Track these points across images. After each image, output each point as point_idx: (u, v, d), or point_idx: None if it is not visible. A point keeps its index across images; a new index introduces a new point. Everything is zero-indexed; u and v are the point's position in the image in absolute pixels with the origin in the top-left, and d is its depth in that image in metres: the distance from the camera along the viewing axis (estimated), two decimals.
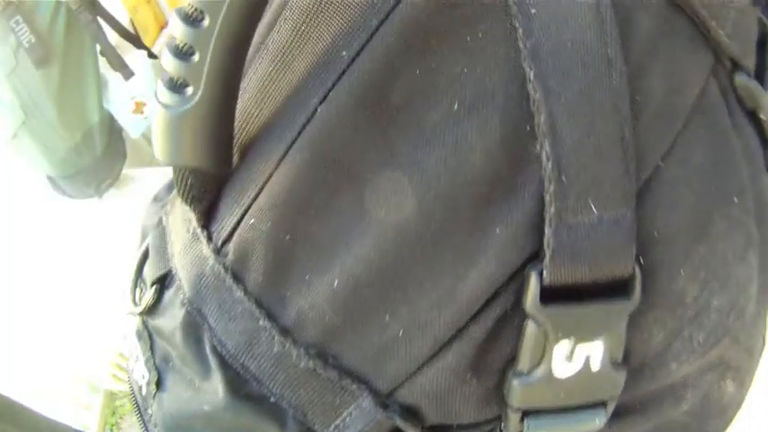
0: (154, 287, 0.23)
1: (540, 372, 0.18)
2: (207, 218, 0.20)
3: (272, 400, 0.20)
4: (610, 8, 0.17)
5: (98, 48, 0.91)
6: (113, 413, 2.29)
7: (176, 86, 0.18)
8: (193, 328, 0.21)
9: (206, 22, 0.17)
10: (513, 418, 0.19)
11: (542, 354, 0.18)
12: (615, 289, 0.18)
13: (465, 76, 0.17)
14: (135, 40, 0.97)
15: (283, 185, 0.18)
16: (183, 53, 0.17)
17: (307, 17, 0.19)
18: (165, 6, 1.83)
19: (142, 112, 1.02)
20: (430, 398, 0.19)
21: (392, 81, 0.17)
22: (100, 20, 0.89)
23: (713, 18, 0.18)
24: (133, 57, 0.99)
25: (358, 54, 0.17)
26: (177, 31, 0.17)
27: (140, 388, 0.24)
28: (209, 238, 0.20)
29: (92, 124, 0.94)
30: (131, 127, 1.03)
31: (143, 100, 1.00)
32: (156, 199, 0.28)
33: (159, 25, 1.87)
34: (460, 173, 0.17)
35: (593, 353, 0.18)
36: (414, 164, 0.17)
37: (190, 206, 0.20)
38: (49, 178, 1.00)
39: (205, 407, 0.21)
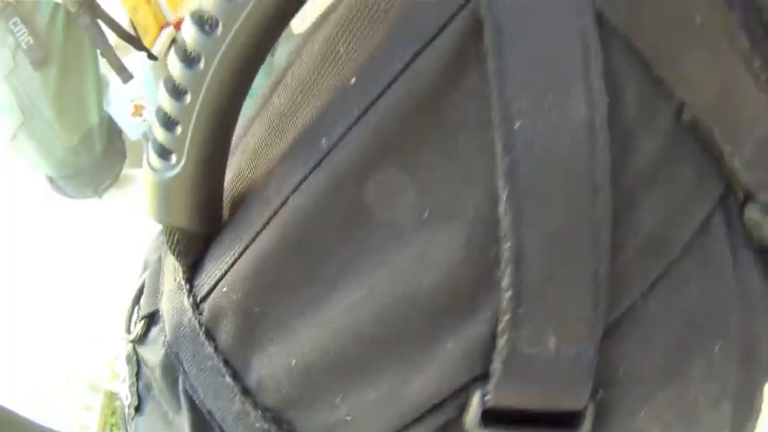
0: (143, 321, 0.24)
1: None
2: (192, 271, 0.21)
3: None
4: (605, 127, 0.15)
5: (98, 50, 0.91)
6: (113, 413, 2.29)
7: (163, 153, 0.18)
8: (171, 368, 0.22)
9: (188, 98, 0.17)
10: None
11: None
12: (564, 420, 0.17)
13: (440, 184, 0.16)
14: (135, 41, 0.97)
15: (257, 260, 0.19)
16: (168, 123, 0.18)
17: (302, 89, 0.19)
18: (165, 6, 1.83)
19: (141, 115, 1.02)
20: None
21: (366, 177, 0.17)
22: (99, 22, 0.89)
23: (728, 142, 0.16)
24: (133, 58, 0.99)
25: (336, 144, 0.17)
26: (164, 100, 0.17)
27: (124, 407, 0.26)
28: (190, 292, 0.21)
29: (91, 125, 0.94)
30: (130, 129, 1.03)
31: (142, 103, 1.00)
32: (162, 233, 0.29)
33: (159, 25, 1.87)
34: (421, 282, 0.17)
35: None
36: (379, 264, 0.17)
37: (176, 259, 0.21)
38: (49, 178, 1.00)
39: None
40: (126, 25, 1.65)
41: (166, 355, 0.22)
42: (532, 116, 0.15)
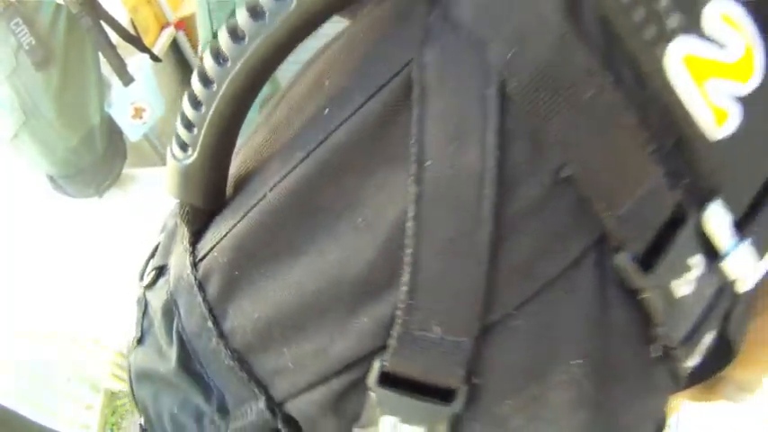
0: (154, 272, 0.31)
1: (371, 431, 0.24)
2: (195, 238, 0.27)
3: (206, 379, 0.29)
4: (494, 174, 0.20)
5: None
6: (114, 412, 2.29)
7: (182, 146, 0.24)
8: (169, 310, 0.29)
9: (203, 109, 0.23)
10: None
11: (375, 419, 0.24)
12: (442, 394, 0.22)
13: (371, 200, 0.22)
14: (137, 42, 0.98)
15: (240, 236, 0.25)
16: (187, 125, 0.24)
17: (295, 108, 0.25)
18: (165, 6, 1.83)
19: (141, 117, 1.02)
20: (302, 419, 0.26)
21: (322, 187, 0.23)
22: (101, 23, 0.89)
23: (604, 200, 0.20)
24: (135, 60, 0.99)
25: (305, 158, 0.23)
26: (186, 108, 0.24)
27: (130, 341, 0.34)
28: (192, 254, 0.27)
29: (92, 125, 0.94)
30: (131, 131, 1.03)
31: (142, 105, 1.00)
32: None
33: (160, 25, 1.87)
34: (350, 269, 0.23)
35: None
36: (323, 253, 0.23)
37: (185, 227, 0.28)
38: (50, 178, 1.01)
39: (161, 369, 0.30)
40: (126, 24, 1.66)
41: (167, 301, 0.29)
42: (439, 158, 0.20)
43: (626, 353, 0.23)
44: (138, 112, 1.01)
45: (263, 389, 0.27)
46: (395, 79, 0.21)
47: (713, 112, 0.20)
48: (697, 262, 0.22)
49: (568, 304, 0.22)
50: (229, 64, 0.22)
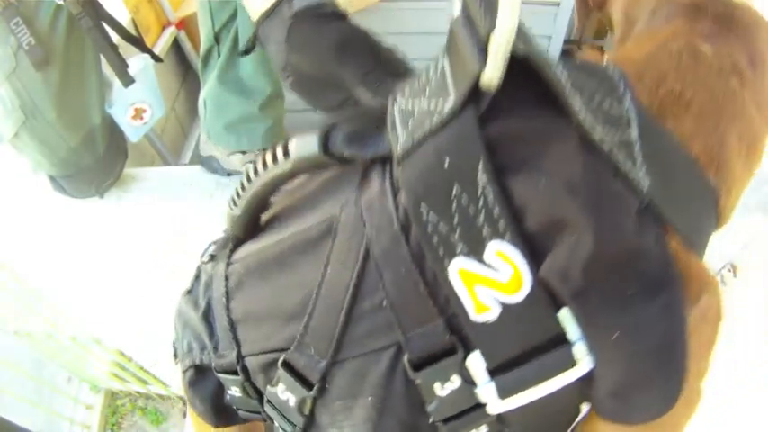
0: (209, 256, 0.52)
1: (275, 389, 0.44)
2: (232, 251, 0.49)
3: (213, 328, 0.49)
4: (353, 288, 0.37)
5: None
6: (114, 412, 2.29)
7: (233, 203, 0.46)
8: (209, 284, 0.50)
9: (237, 212, 0.46)
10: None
11: (277, 383, 0.44)
12: (309, 384, 0.41)
13: (304, 276, 0.40)
14: (139, 43, 0.97)
15: (250, 260, 0.46)
16: (234, 204, 0.46)
17: (288, 211, 0.46)
18: (166, 6, 1.83)
19: (142, 118, 1.01)
20: (250, 371, 0.46)
21: (287, 259, 0.42)
22: (103, 24, 0.89)
23: (400, 324, 0.37)
24: (136, 61, 0.98)
25: (281, 242, 0.43)
26: (235, 190, 0.45)
27: (183, 291, 0.56)
28: (229, 259, 0.48)
29: (93, 125, 0.94)
30: (131, 132, 1.03)
31: (143, 107, 1.00)
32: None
33: (161, 24, 1.87)
34: (288, 301, 0.41)
35: (290, 398, 0.43)
36: (280, 286, 0.43)
37: (231, 243, 0.49)
38: (50, 177, 1.00)
39: (192, 314, 0.52)
40: (128, 24, 1.65)
41: (209, 277, 0.50)
42: (332, 270, 0.39)
43: (401, 404, 0.38)
44: (139, 113, 1.00)
45: (238, 346, 0.46)
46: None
47: (475, 305, 0.32)
48: (455, 379, 0.35)
49: (374, 367, 0.38)
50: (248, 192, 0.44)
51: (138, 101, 0.99)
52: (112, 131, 1.00)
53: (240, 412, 0.52)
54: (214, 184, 1.04)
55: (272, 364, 0.42)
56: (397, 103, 0.35)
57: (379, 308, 0.36)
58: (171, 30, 1.85)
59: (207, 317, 0.48)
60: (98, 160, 0.97)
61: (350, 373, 0.38)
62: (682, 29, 0.41)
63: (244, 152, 0.97)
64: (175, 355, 0.55)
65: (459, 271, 0.32)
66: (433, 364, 0.35)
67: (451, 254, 0.31)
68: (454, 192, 0.30)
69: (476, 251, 0.31)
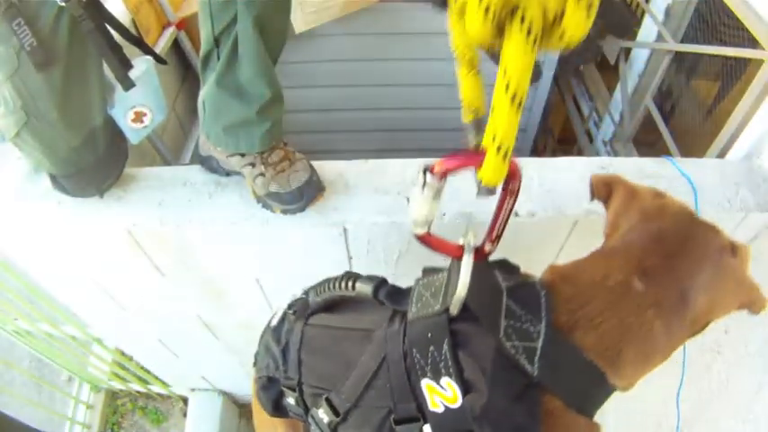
0: (292, 310, 0.86)
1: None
2: (311, 314, 0.82)
3: (282, 351, 0.85)
4: (372, 375, 0.68)
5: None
6: (114, 412, 2.28)
7: (315, 295, 0.83)
8: (284, 322, 0.87)
9: (319, 299, 0.82)
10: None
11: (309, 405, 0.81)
12: (337, 413, 0.72)
13: (353, 355, 0.71)
14: (141, 44, 0.97)
15: (323, 325, 0.80)
16: (314, 295, 0.84)
17: (340, 332, 0.79)
18: (166, 5, 1.83)
19: (142, 122, 1.02)
20: (305, 394, 0.79)
21: (346, 341, 0.74)
22: (105, 25, 0.89)
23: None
24: (138, 61, 0.98)
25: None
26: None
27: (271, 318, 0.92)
28: (307, 318, 0.82)
29: (95, 125, 0.94)
30: (131, 135, 1.03)
31: (143, 110, 1.00)
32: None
33: (161, 24, 1.87)
34: (348, 363, 0.72)
35: (325, 418, 0.74)
36: (336, 354, 0.76)
37: (311, 309, 0.84)
38: (51, 177, 1.00)
39: (270, 337, 0.88)
40: (128, 25, 1.65)
41: (288, 323, 0.85)
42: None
43: None
44: (139, 117, 1.00)
45: (300, 376, 0.77)
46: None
47: (431, 403, 0.60)
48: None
49: (376, 415, 0.66)
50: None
51: (138, 104, 0.99)
52: (114, 132, 1.00)
53: (290, 414, 0.83)
54: (214, 184, 1.05)
55: (318, 395, 0.73)
56: (419, 285, 0.66)
57: (384, 387, 0.64)
58: (171, 30, 1.85)
59: (284, 351, 0.81)
60: (99, 160, 0.97)
61: (361, 415, 0.68)
62: (628, 264, 0.57)
63: (242, 154, 0.97)
64: (255, 364, 0.89)
65: (426, 385, 0.59)
66: (407, 424, 0.63)
67: (424, 375, 0.59)
68: (430, 349, 0.59)
69: (436, 378, 0.58)
